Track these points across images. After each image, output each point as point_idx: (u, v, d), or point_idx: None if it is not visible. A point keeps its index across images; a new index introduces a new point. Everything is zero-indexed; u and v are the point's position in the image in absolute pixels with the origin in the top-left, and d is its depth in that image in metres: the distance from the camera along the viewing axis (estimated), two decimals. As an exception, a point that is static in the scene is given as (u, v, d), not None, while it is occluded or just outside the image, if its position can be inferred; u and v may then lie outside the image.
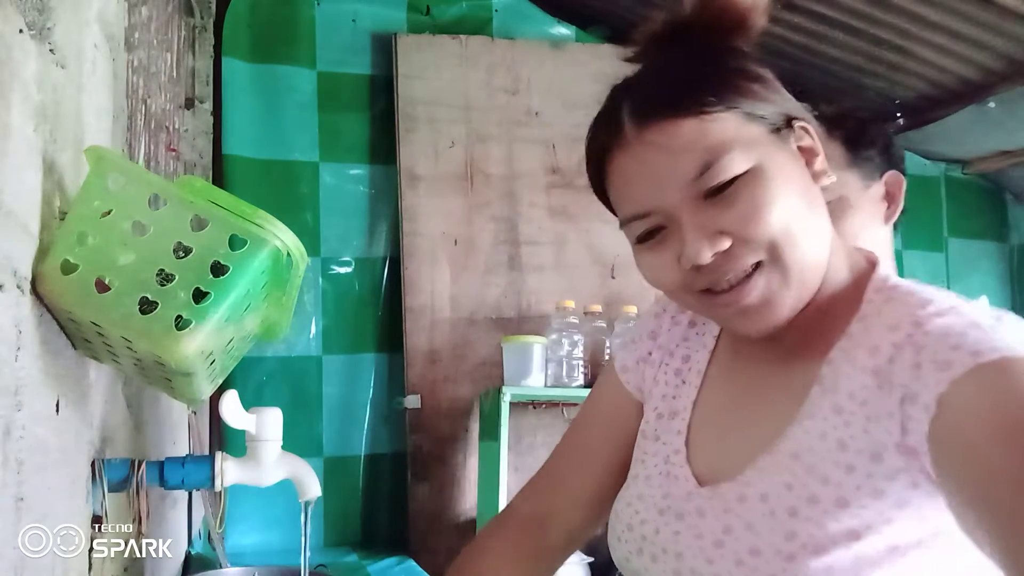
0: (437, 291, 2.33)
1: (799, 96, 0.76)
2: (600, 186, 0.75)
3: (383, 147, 2.40)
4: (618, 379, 0.89)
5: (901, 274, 0.74)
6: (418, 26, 2.45)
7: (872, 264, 0.74)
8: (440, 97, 2.38)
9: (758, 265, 0.67)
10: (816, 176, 0.71)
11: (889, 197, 1.23)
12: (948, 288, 0.69)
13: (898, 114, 2.74)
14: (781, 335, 0.72)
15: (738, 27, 0.72)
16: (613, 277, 2.44)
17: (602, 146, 0.72)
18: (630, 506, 0.79)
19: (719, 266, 0.68)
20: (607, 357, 2.17)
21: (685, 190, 0.67)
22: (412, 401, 2.28)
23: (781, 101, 0.71)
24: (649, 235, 0.71)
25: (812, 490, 0.66)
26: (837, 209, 1.15)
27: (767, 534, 0.66)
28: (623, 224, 0.73)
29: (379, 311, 2.39)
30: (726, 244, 0.67)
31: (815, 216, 0.69)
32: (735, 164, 0.66)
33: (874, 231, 1.23)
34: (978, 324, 0.63)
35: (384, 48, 2.41)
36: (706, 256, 0.67)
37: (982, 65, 2.30)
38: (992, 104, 2.37)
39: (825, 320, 0.71)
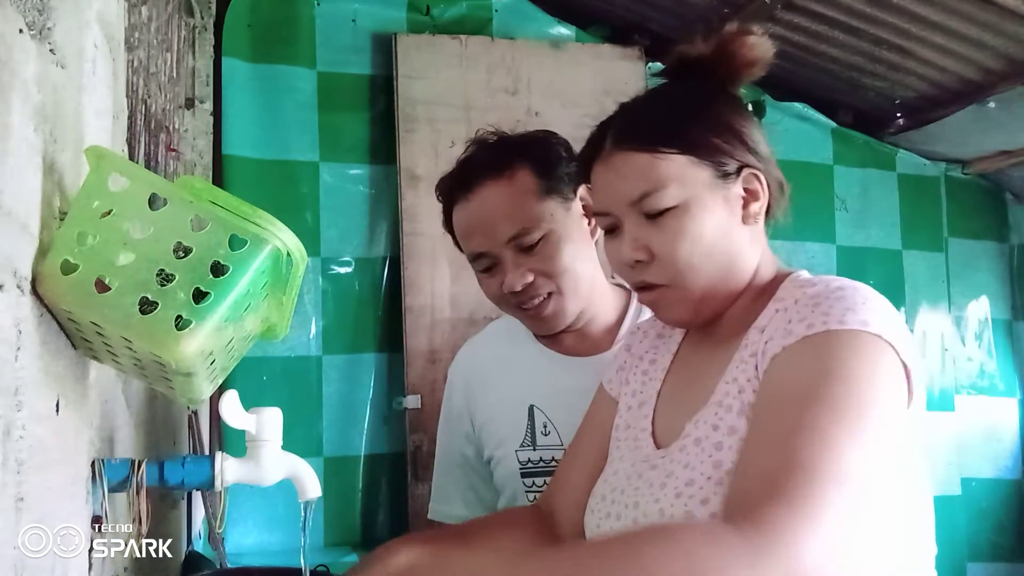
0: (437, 291, 2.33)
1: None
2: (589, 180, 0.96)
3: (383, 147, 2.40)
4: (605, 391, 1.06)
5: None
6: (418, 26, 2.45)
7: (792, 271, 0.93)
8: (440, 97, 2.38)
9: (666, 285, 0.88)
10: (748, 216, 0.89)
11: (587, 211, 1.21)
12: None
13: (898, 114, 2.74)
14: (715, 326, 0.92)
15: (741, 72, 0.91)
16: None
17: (590, 153, 0.92)
18: (606, 481, 0.93)
19: (641, 271, 0.89)
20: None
21: (629, 207, 0.88)
22: (412, 401, 2.28)
23: (740, 152, 0.88)
24: (609, 229, 0.92)
25: (730, 423, 0.81)
26: (553, 244, 1.17)
27: (699, 467, 0.81)
28: (595, 215, 0.94)
29: (379, 311, 2.39)
30: (647, 257, 0.88)
31: (729, 246, 0.88)
32: (667, 198, 0.86)
33: (589, 254, 1.22)
34: (845, 293, 0.79)
35: (384, 48, 2.41)
36: (630, 260, 0.89)
37: (982, 65, 2.31)
38: (992, 104, 2.38)
39: (751, 309, 0.89)
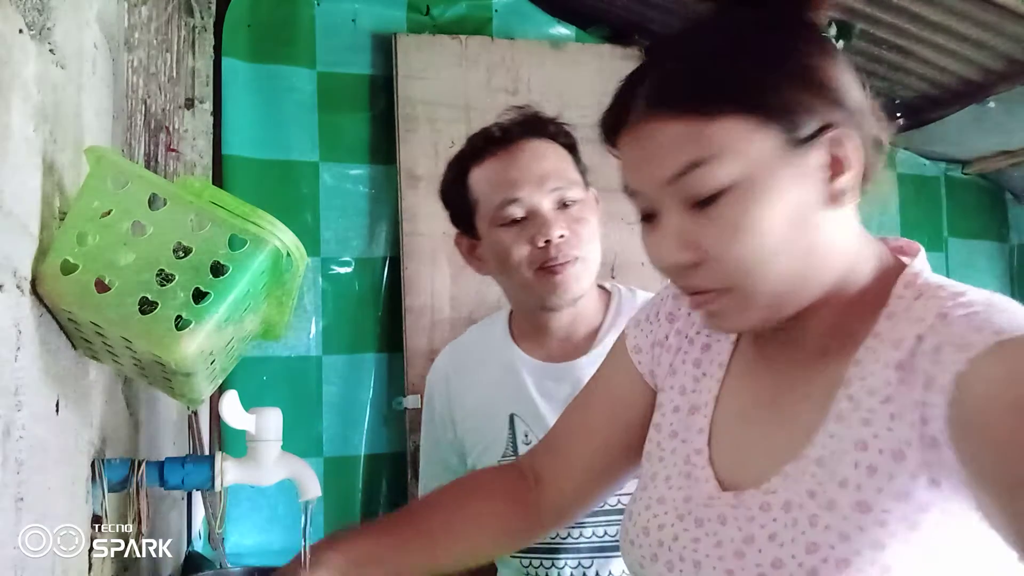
0: (437, 291, 2.33)
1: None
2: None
3: (383, 147, 2.40)
4: (629, 358, 0.86)
5: None
6: (418, 26, 2.45)
7: (900, 259, 0.71)
8: (440, 97, 2.38)
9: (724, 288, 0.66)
10: (836, 194, 0.65)
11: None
12: None
13: (898, 114, 2.74)
14: (800, 338, 0.71)
15: None
16: (613, 277, 2.44)
17: (615, 117, 0.70)
18: (648, 509, 0.76)
19: (689, 274, 0.67)
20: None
21: (667, 189, 0.65)
22: (412, 401, 2.28)
23: (822, 105, 0.65)
24: (645, 216, 0.69)
25: (831, 495, 0.63)
26: (584, 209, 1.20)
27: (789, 545, 0.64)
28: (627, 194, 0.71)
29: (379, 311, 2.39)
30: (696, 258, 0.65)
31: (809, 237, 0.65)
32: (719, 175, 0.63)
33: (598, 243, 1.23)
34: (1006, 309, 0.61)
35: (384, 48, 2.41)
36: (669, 262, 0.67)
37: (982, 65, 2.30)
38: (992, 104, 2.37)
39: (849, 319, 0.68)
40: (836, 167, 0.65)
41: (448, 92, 2.39)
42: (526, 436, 1.21)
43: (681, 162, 0.64)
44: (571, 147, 1.25)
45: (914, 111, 2.68)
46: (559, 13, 2.57)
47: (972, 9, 2.04)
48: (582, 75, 2.47)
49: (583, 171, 1.24)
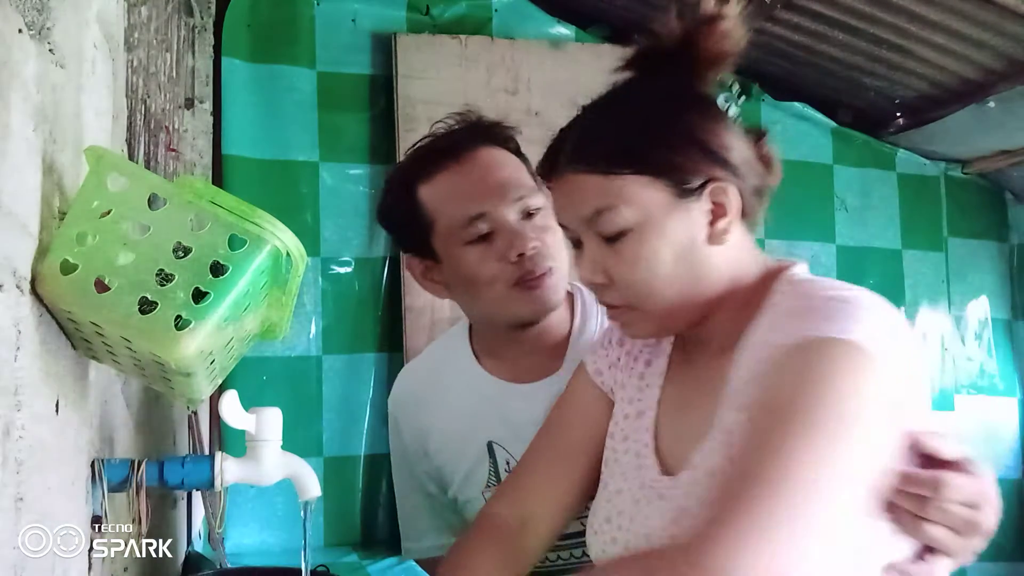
0: (437, 291, 2.32)
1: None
2: None
3: (383, 147, 2.40)
4: (592, 382, 0.99)
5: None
6: (418, 26, 2.45)
7: (784, 265, 0.87)
8: (440, 97, 2.38)
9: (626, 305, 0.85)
10: (715, 235, 0.82)
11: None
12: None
13: (898, 114, 2.74)
14: (706, 339, 0.87)
15: (707, 69, 0.84)
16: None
17: (546, 168, 0.89)
18: (609, 501, 0.88)
19: (602, 291, 0.86)
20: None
21: (584, 226, 0.84)
22: (412, 401, 2.28)
23: (705, 164, 0.81)
24: (574, 243, 0.89)
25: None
26: (548, 217, 1.16)
27: None
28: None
29: (379, 311, 2.39)
30: (606, 280, 0.84)
31: (693, 268, 0.82)
32: (620, 220, 0.81)
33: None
34: (852, 300, 0.74)
35: (384, 48, 2.41)
36: (587, 281, 0.87)
37: (982, 65, 2.30)
38: (992, 104, 2.37)
39: (738, 318, 0.83)
40: (717, 212, 0.82)
41: (448, 92, 2.38)
42: (507, 464, 1.16)
43: (592, 208, 0.82)
44: (518, 151, 1.17)
45: (914, 111, 2.68)
46: (559, 13, 2.57)
47: (972, 9, 2.04)
48: (582, 75, 2.47)
49: (534, 174, 1.17)
